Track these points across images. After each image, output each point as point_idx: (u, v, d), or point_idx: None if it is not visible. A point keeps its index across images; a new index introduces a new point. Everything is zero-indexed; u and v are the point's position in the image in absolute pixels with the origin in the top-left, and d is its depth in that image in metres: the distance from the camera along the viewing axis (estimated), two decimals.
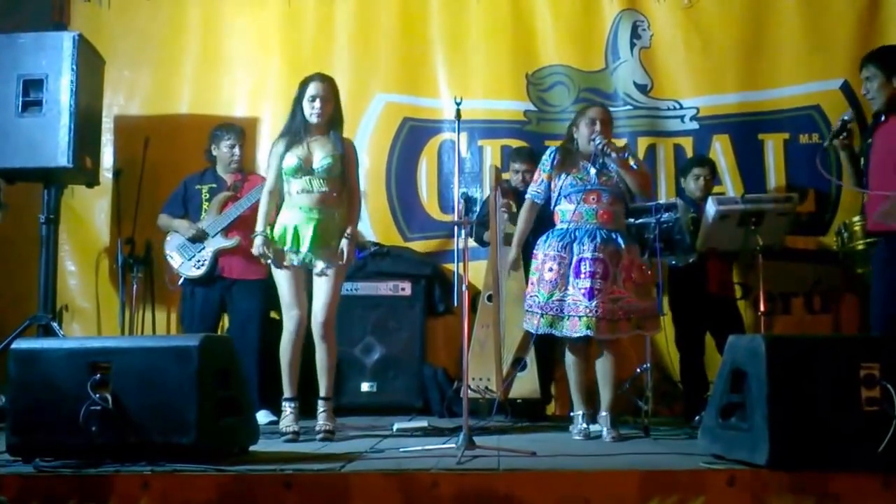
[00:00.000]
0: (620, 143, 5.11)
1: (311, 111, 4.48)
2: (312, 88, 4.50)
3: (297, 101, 4.53)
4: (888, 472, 3.00)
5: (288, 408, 4.46)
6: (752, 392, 3.23)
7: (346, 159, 4.54)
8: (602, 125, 4.53)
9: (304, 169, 4.44)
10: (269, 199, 4.55)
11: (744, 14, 6.18)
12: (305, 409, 4.57)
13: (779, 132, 5.99)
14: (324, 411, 4.45)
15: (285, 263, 4.43)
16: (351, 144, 4.67)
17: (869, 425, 3.08)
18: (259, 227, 4.50)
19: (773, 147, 6.01)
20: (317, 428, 4.39)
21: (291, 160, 4.45)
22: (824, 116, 5.85)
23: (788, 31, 6.10)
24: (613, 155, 4.42)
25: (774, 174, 6.02)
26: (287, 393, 4.49)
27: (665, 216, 4.86)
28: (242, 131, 5.65)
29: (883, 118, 4.33)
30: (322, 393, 4.48)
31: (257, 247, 4.44)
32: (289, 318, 4.48)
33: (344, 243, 4.44)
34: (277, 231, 4.47)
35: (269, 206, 4.55)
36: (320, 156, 4.45)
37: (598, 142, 4.43)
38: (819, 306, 5.88)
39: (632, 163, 4.54)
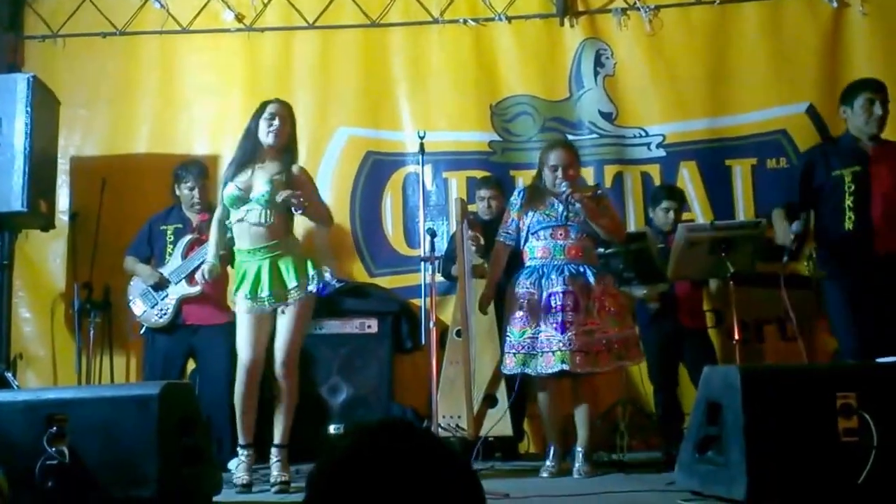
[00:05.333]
0: (588, 188, 5.05)
1: (269, 129, 4.24)
2: (272, 108, 4.30)
3: (249, 128, 4.32)
4: None
5: (242, 456, 4.20)
6: (729, 425, 3.19)
7: (296, 183, 4.21)
8: (564, 171, 4.47)
9: (243, 199, 4.19)
10: (218, 229, 4.39)
11: (708, 40, 6.17)
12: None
13: (746, 157, 5.97)
14: (278, 461, 4.17)
15: (246, 310, 4.20)
16: (301, 169, 4.38)
17: (847, 456, 3.03)
18: (209, 257, 4.42)
19: (740, 173, 5.99)
20: (271, 480, 4.13)
21: (231, 189, 4.22)
22: (791, 140, 5.84)
23: (753, 56, 6.09)
24: (578, 207, 4.37)
25: (743, 200, 5.98)
26: (241, 440, 4.23)
27: (633, 246, 4.82)
28: (204, 170, 5.50)
29: (868, 149, 4.42)
30: (277, 440, 4.21)
31: (203, 272, 4.38)
32: (241, 361, 4.22)
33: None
34: (236, 276, 4.29)
35: (217, 235, 4.39)
36: (260, 183, 4.18)
37: (563, 192, 4.39)
38: (793, 333, 5.84)
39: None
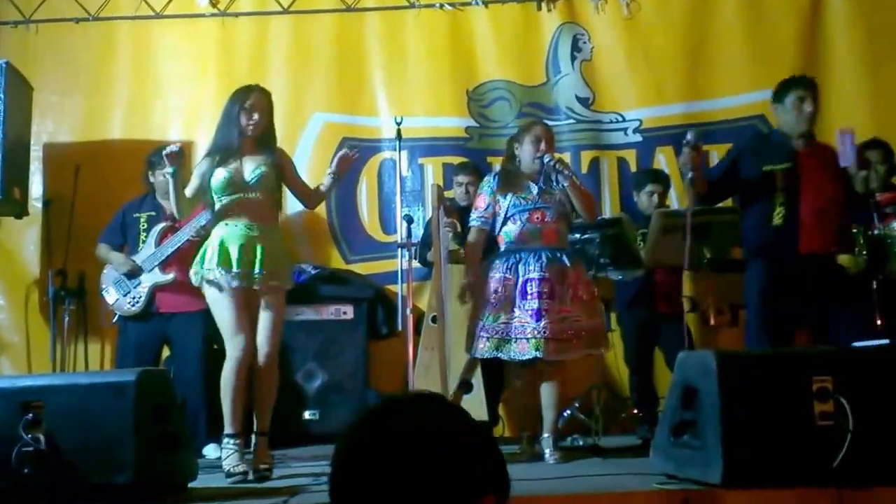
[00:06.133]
0: (565, 157, 5.07)
1: (250, 122, 4.16)
2: (253, 98, 4.20)
3: (229, 114, 4.21)
4: (842, 488, 2.96)
5: (232, 445, 4.00)
6: (704, 409, 3.20)
7: (280, 165, 4.23)
8: (546, 144, 4.45)
9: (236, 183, 4.11)
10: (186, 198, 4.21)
11: (685, 24, 6.18)
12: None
13: (723, 142, 5.97)
14: (260, 448, 4.10)
15: (229, 286, 4.03)
16: (282, 151, 4.36)
17: (823, 440, 3.05)
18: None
19: (717, 158, 5.99)
20: (253, 467, 4.00)
21: (221, 174, 4.12)
22: (768, 125, 5.84)
23: (730, 41, 6.12)
24: (566, 172, 4.36)
25: None
26: (230, 428, 4.03)
27: (609, 231, 4.83)
28: None
29: (799, 146, 4.45)
30: (259, 428, 4.12)
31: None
32: (234, 345, 4.02)
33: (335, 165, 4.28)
34: (214, 252, 4.07)
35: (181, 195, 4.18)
36: (251, 167, 4.14)
37: (548, 160, 4.35)
38: None
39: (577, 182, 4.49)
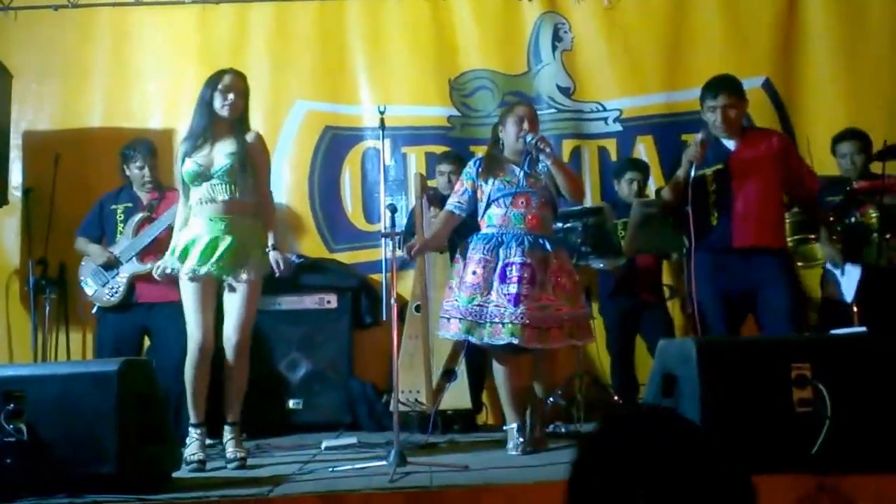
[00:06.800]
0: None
1: (224, 103, 4.12)
2: (227, 79, 4.15)
3: (204, 97, 4.18)
4: (823, 474, 3.00)
5: (195, 434, 4.07)
6: (685, 396, 3.23)
7: (251, 153, 4.16)
8: (529, 123, 4.35)
9: (204, 175, 4.08)
10: (185, 213, 4.20)
11: (664, 14, 6.21)
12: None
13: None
14: (232, 438, 4.11)
15: (189, 276, 4.05)
16: (258, 136, 4.27)
17: (802, 427, 3.08)
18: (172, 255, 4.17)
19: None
20: (228, 457, 4.07)
21: (189, 165, 4.09)
22: (746, 115, 5.89)
23: (709, 31, 6.15)
24: (548, 150, 4.24)
25: None
26: (193, 419, 4.11)
27: (591, 220, 4.85)
28: (152, 148, 5.37)
29: (732, 145, 4.43)
30: (230, 418, 4.14)
31: (161, 270, 4.13)
32: (196, 336, 4.07)
33: (274, 255, 4.13)
34: (182, 243, 4.09)
35: (185, 219, 4.20)
36: (220, 158, 4.10)
37: (530, 139, 4.24)
38: None
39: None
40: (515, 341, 4.06)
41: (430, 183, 5.54)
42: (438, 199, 5.31)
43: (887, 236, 4.56)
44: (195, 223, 4.12)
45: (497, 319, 4.09)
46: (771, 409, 3.13)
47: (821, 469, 3.00)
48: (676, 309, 5.64)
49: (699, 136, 4.36)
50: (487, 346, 4.25)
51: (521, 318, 4.05)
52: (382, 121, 4.57)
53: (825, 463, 3.01)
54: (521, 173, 4.30)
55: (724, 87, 4.46)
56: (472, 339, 4.19)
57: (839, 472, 3.01)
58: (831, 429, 3.03)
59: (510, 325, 4.06)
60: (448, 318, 4.25)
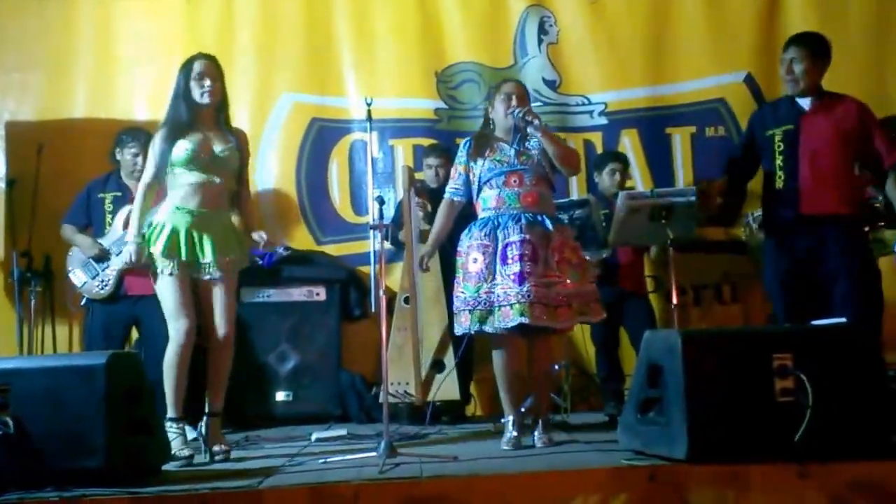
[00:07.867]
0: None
1: (202, 90, 4.03)
2: (199, 66, 4.06)
3: (179, 87, 4.08)
4: (804, 462, 3.04)
5: (175, 429, 3.98)
6: (669, 387, 3.27)
7: (242, 148, 4.16)
8: (518, 99, 4.24)
9: (200, 159, 4.00)
10: (146, 197, 4.08)
11: (649, 8, 6.24)
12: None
13: (685, 125, 6.09)
14: (215, 430, 4.08)
15: (173, 272, 3.99)
16: (244, 135, 4.25)
17: (784, 416, 3.14)
18: (133, 230, 4.05)
19: (680, 141, 6.11)
20: (214, 449, 4.02)
21: (184, 147, 3.99)
22: (729, 109, 5.96)
23: (692, 25, 6.19)
24: (536, 122, 4.11)
25: (682, 167, 6.11)
26: (172, 412, 4.00)
27: (577, 213, 4.88)
28: (149, 138, 5.38)
29: (807, 105, 4.37)
30: (213, 409, 4.09)
31: (129, 255, 4.04)
32: (176, 329, 3.97)
33: (258, 235, 4.12)
34: (160, 239, 3.98)
35: (144, 204, 4.07)
36: (217, 147, 4.04)
37: (517, 112, 4.13)
38: (729, 296, 5.99)
39: None
40: (525, 320, 3.91)
41: (418, 175, 5.55)
42: (426, 192, 5.34)
43: None
44: (176, 217, 4.02)
45: (505, 302, 3.96)
46: (754, 399, 3.19)
47: (803, 457, 3.05)
48: (658, 300, 5.68)
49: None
50: (501, 331, 4.06)
51: (529, 296, 3.91)
52: (370, 113, 4.58)
53: (807, 450, 3.06)
54: (512, 151, 4.19)
55: (795, 41, 4.44)
56: (487, 329, 4.04)
57: (820, 460, 3.06)
58: (813, 417, 3.08)
59: (518, 305, 3.91)
60: (459, 312, 4.15)
